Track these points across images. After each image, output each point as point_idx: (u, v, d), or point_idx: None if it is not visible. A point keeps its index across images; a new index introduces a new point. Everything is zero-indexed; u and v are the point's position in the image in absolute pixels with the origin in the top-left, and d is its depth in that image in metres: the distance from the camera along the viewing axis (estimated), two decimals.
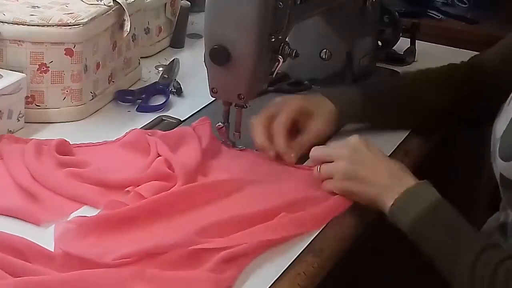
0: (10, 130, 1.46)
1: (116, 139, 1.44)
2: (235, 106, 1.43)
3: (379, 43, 1.83)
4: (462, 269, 1.16)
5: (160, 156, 1.36)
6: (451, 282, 1.19)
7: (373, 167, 1.28)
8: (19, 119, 1.47)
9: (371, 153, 1.30)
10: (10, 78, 1.44)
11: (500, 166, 1.23)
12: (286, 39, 1.41)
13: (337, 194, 1.31)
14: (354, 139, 1.32)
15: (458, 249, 1.18)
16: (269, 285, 1.14)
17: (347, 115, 1.49)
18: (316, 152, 1.35)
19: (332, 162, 1.32)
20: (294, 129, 1.44)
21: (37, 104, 1.50)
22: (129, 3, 1.58)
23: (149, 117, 1.54)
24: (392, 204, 1.24)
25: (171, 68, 1.73)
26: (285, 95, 1.67)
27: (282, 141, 1.40)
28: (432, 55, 1.90)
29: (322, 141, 1.45)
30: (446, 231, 1.20)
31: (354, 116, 1.50)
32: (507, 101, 1.30)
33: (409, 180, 1.26)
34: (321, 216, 1.27)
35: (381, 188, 1.26)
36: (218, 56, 1.36)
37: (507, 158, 1.22)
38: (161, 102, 1.60)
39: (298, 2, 1.42)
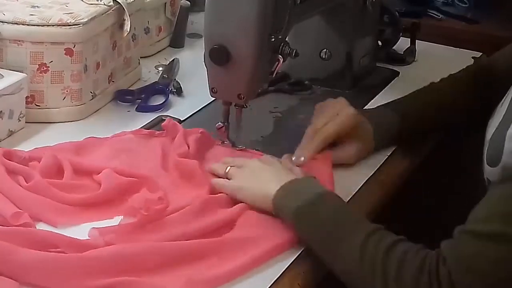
0: (11, 130, 1.46)
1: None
2: (235, 106, 1.43)
3: (379, 43, 1.83)
4: (349, 250, 1.14)
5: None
6: (335, 264, 1.16)
7: (269, 170, 1.30)
8: (20, 119, 1.47)
9: (275, 165, 1.31)
10: (11, 78, 1.44)
11: (486, 171, 1.22)
12: (286, 39, 1.41)
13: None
14: (269, 156, 1.35)
15: (345, 231, 1.16)
16: (269, 285, 1.14)
17: (382, 145, 1.48)
18: (228, 160, 1.37)
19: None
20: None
21: (37, 104, 1.50)
22: (129, 3, 1.58)
23: (149, 117, 1.54)
24: (277, 193, 1.23)
25: (171, 68, 1.73)
26: (286, 95, 1.68)
27: (314, 148, 1.39)
28: (432, 55, 1.91)
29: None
30: (333, 216, 1.19)
31: (388, 144, 1.49)
32: (501, 102, 1.29)
33: (298, 175, 1.28)
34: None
35: (268, 180, 1.26)
36: (218, 56, 1.36)
37: (493, 163, 1.20)
38: (160, 102, 1.60)
39: (298, 2, 1.42)
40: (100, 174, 1.31)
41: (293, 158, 1.38)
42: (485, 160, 1.22)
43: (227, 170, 1.34)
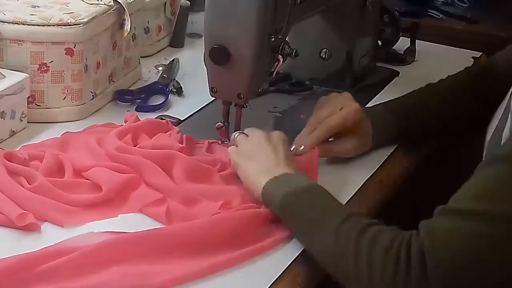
0: (13, 131, 1.46)
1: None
2: (235, 105, 1.43)
3: (379, 42, 1.83)
4: (325, 235, 1.15)
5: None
6: (312, 249, 1.18)
7: (269, 154, 1.29)
8: (22, 119, 1.47)
9: (277, 145, 1.31)
10: (13, 78, 1.44)
11: None
12: (286, 39, 1.41)
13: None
14: (277, 132, 1.34)
15: (322, 216, 1.17)
16: (269, 285, 1.14)
17: (379, 145, 1.48)
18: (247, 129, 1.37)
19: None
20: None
21: (38, 104, 1.50)
22: (129, 2, 1.58)
23: (149, 117, 1.54)
24: (266, 184, 1.24)
25: (170, 68, 1.73)
26: (286, 95, 1.68)
27: (315, 139, 1.39)
28: (432, 54, 1.91)
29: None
30: (314, 204, 1.20)
31: (385, 144, 1.50)
32: (502, 102, 1.29)
33: (292, 170, 1.27)
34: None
35: (263, 168, 1.27)
36: (218, 56, 1.36)
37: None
38: (160, 102, 1.60)
39: (298, 2, 1.42)
40: (93, 172, 1.31)
41: (293, 147, 1.39)
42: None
43: (236, 136, 1.35)
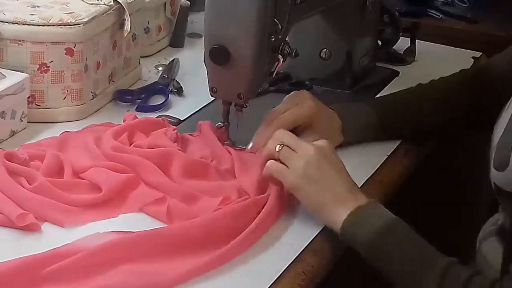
0: (13, 131, 1.46)
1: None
2: (235, 105, 1.43)
3: (379, 42, 1.83)
4: (427, 286, 1.13)
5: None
6: None
7: (333, 174, 1.24)
8: (22, 119, 1.47)
9: (335, 160, 1.26)
10: (13, 78, 1.44)
11: (493, 176, 1.22)
12: (286, 39, 1.41)
13: (283, 186, 1.27)
14: (323, 142, 1.28)
15: (421, 267, 1.15)
16: (269, 285, 1.14)
17: (355, 139, 1.48)
18: (283, 136, 1.29)
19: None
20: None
21: (38, 104, 1.50)
22: (129, 2, 1.58)
23: (148, 117, 1.54)
24: (345, 220, 1.20)
25: (170, 68, 1.73)
26: (286, 95, 1.68)
27: (268, 135, 1.36)
28: (432, 54, 1.91)
29: None
30: (406, 249, 1.17)
31: (364, 138, 1.49)
32: (506, 105, 1.29)
33: (363, 197, 1.23)
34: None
35: (334, 197, 1.22)
36: (218, 56, 1.36)
37: (500, 167, 1.19)
38: (160, 102, 1.60)
39: (298, 2, 1.43)
40: (91, 173, 1.31)
41: (250, 145, 1.40)
42: (491, 164, 1.22)
43: (278, 149, 1.26)
